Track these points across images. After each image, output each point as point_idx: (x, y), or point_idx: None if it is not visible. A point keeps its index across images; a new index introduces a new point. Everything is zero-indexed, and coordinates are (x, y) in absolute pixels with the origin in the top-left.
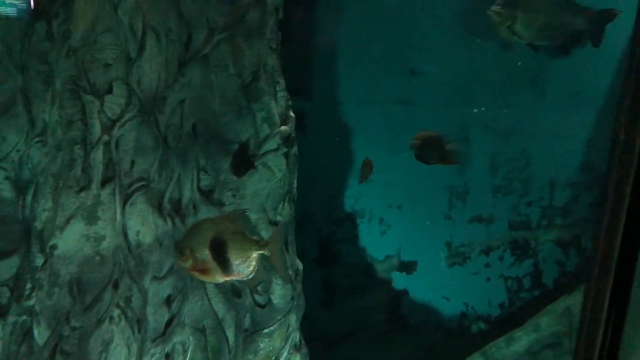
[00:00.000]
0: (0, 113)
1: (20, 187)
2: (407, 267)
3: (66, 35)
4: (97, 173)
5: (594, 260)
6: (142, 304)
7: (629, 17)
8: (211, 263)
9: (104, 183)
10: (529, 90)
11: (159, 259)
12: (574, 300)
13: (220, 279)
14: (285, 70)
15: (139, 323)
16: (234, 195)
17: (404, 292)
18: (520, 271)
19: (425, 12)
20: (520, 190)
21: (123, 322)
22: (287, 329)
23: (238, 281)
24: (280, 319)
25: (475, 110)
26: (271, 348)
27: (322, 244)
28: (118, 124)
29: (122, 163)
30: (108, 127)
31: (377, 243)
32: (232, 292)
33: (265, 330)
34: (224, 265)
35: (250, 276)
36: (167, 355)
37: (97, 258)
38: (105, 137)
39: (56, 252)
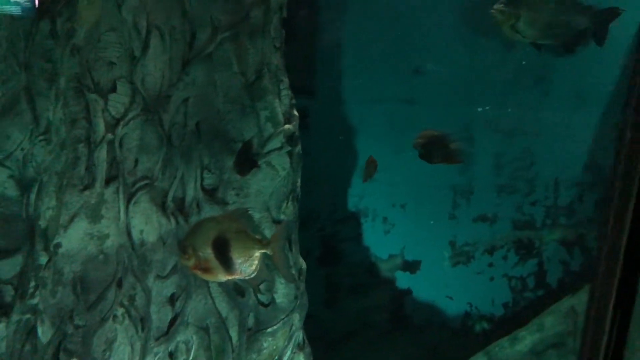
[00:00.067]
0: (4, 111)
1: (25, 186)
2: (411, 266)
3: (70, 33)
4: (101, 171)
5: (599, 260)
6: (145, 302)
7: (633, 15)
8: (213, 262)
9: (107, 182)
10: (534, 89)
11: (163, 257)
12: (578, 300)
13: (223, 277)
14: (289, 69)
15: (143, 322)
16: (237, 194)
17: (408, 292)
18: (525, 271)
19: (429, 11)
20: (525, 190)
21: (127, 321)
22: (291, 328)
23: (241, 280)
24: (283, 318)
25: (479, 109)
26: (274, 347)
27: (326, 243)
28: (122, 123)
29: (126, 162)
30: (112, 126)
31: (380, 242)
32: (236, 291)
33: (269, 330)
34: (227, 264)
35: (253, 275)
36: (171, 354)
37: (101, 256)
38: (109, 136)
39: (60, 251)
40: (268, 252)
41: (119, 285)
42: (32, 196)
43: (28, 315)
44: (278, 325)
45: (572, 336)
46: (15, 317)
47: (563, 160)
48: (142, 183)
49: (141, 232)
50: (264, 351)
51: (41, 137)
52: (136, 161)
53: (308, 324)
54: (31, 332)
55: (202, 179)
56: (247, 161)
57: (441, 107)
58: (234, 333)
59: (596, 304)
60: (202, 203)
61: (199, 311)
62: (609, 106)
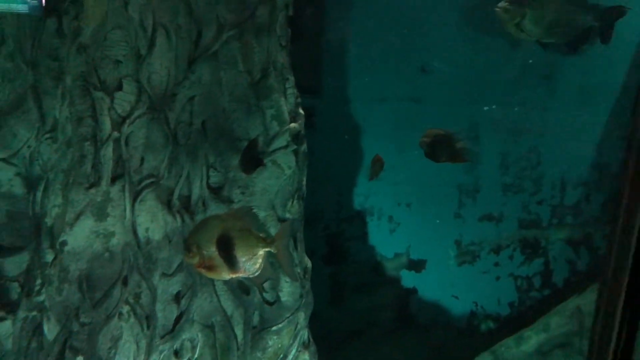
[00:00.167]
0: (11, 109)
1: (31, 183)
2: (416, 265)
3: (77, 32)
4: (107, 170)
5: (608, 260)
6: (151, 300)
7: (639, 13)
8: (218, 260)
9: (113, 180)
10: (540, 88)
11: (168, 255)
12: (584, 300)
13: (227, 276)
14: (295, 68)
15: (148, 319)
16: (243, 193)
17: (413, 291)
18: (530, 270)
19: (435, 9)
20: (531, 189)
21: (132, 319)
22: (296, 327)
23: (245, 278)
24: (288, 317)
25: (485, 108)
26: (279, 345)
27: (331, 242)
28: (128, 121)
29: (132, 160)
30: (118, 124)
31: (386, 241)
32: (241, 289)
33: (274, 328)
34: (231, 262)
35: (257, 273)
36: (176, 352)
37: (107, 254)
38: (115, 134)
39: (66, 248)
40: (272, 251)
41: (125, 283)
42: (39, 194)
43: (34, 313)
44: (283, 323)
45: (579, 336)
46: (21, 314)
47: (569, 159)
48: (148, 181)
49: (147, 230)
50: (269, 349)
51: (47, 135)
52: (142, 159)
53: (313, 323)
54: (37, 329)
55: (208, 177)
56: (252, 160)
57: (447, 106)
58: (239, 331)
59: (605, 306)
60: (208, 201)
61: (205, 309)
62: (616, 105)
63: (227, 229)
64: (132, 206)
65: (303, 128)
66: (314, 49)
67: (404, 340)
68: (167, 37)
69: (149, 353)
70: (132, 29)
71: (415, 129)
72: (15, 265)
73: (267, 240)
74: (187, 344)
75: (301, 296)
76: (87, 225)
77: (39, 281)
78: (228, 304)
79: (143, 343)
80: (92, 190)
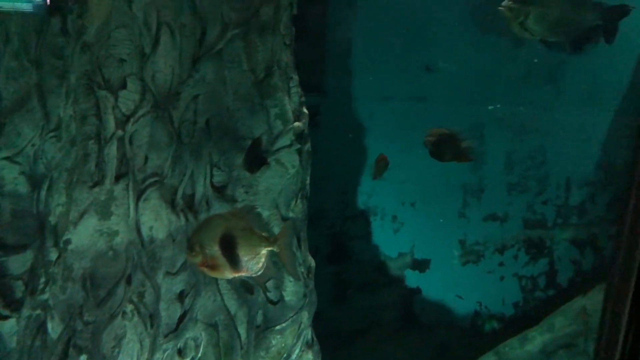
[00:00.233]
0: (15, 108)
1: (35, 182)
2: (420, 265)
3: (81, 30)
4: (111, 168)
5: (615, 260)
6: (155, 299)
7: None
8: (220, 259)
9: (117, 178)
10: (545, 88)
11: (172, 254)
12: (589, 300)
13: (230, 275)
14: (299, 67)
15: (152, 318)
16: (246, 192)
17: (417, 290)
18: (535, 270)
19: (440, 8)
20: (536, 189)
21: (136, 317)
22: (299, 326)
23: (248, 277)
24: (292, 316)
25: (490, 108)
26: (283, 345)
27: (335, 241)
28: (132, 120)
29: (136, 158)
30: (122, 123)
31: (390, 240)
32: (245, 288)
33: (277, 327)
34: (233, 261)
35: (260, 272)
36: (180, 351)
37: (111, 253)
38: (119, 133)
39: (70, 247)
40: (275, 250)
41: (128, 281)
42: (43, 192)
43: (38, 311)
44: (287, 322)
45: (583, 337)
46: (25, 312)
47: (574, 159)
48: (152, 180)
49: (150, 228)
50: (273, 349)
51: (52, 134)
52: (146, 158)
53: (317, 322)
54: (41, 327)
55: (212, 176)
56: (256, 158)
57: (452, 105)
58: (242, 330)
59: (612, 307)
60: (212, 200)
61: (208, 308)
62: (621, 104)
63: (230, 228)
64: (136, 205)
65: (307, 127)
66: (318, 48)
67: (407, 340)
68: (172, 35)
69: (152, 352)
70: (136, 28)
71: (420, 128)
72: (19, 263)
73: (270, 240)
74: (191, 343)
75: (305, 295)
76: (91, 223)
77: (42, 279)
78: (231, 303)
79: (147, 342)
80: (96, 189)
